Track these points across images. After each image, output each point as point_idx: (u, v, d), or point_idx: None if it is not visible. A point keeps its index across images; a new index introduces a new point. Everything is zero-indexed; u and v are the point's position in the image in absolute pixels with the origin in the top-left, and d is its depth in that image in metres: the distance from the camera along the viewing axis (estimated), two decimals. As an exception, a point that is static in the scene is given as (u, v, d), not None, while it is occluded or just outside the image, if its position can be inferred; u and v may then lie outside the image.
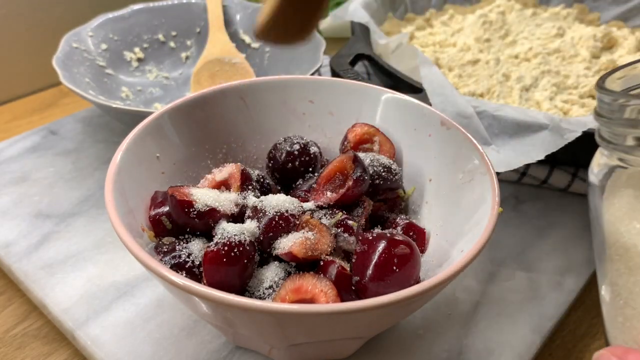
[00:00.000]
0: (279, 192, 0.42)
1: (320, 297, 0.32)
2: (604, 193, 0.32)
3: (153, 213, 0.38)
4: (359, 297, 0.33)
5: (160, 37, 0.74)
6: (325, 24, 0.87)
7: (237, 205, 0.38)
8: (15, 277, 0.45)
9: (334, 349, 0.37)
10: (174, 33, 0.75)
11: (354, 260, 0.34)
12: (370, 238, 0.34)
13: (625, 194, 0.30)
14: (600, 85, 0.31)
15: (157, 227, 0.38)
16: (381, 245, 0.33)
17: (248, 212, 0.37)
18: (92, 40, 0.68)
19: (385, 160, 0.41)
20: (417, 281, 0.34)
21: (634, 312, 0.30)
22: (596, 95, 0.31)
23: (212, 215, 0.36)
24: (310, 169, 0.43)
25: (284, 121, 0.47)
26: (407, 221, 0.41)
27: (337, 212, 0.37)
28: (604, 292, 0.33)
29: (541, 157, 0.44)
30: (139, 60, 0.72)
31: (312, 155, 0.43)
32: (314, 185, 0.40)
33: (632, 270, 0.29)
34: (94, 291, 0.43)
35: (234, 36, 0.74)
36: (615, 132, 0.29)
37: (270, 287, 0.34)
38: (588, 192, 0.34)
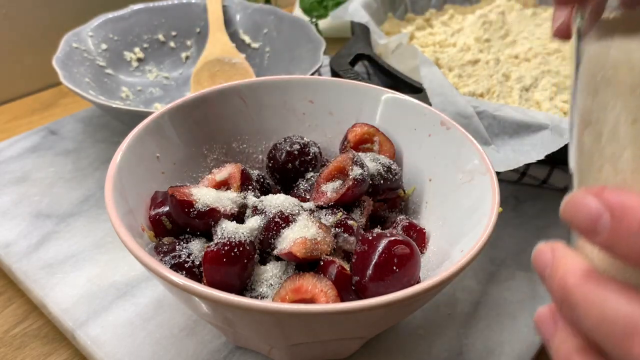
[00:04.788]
0: (279, 192, 0.42)
1: (320, 297, 0.32)
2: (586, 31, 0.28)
3: (153, 213, 0.38)
4: (359, 297, 0.33)
5: (160, 37, 0.74)
6: (325, 24, 0.87)
7: (237, 205, 0.38)
8: (15, 277, 0.45)
9: (334, 349, 0.37)
10: (174, 33, 0.74)
11: (354, 260, 0.34)
12: (370, 238, 0.34)
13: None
14: None
15: (157, 227, 0.38)
16: (381, 245, 0.33)
17: (248, 212, 0.37)
18: (92, 40, 0.68)
19: (385, 160, 0.41)
20: (417, 281, 0.34)
21: (617, 146, 0.24)
22: None
23: (212, 215, 0.36)
24: (310, 169, 0.43)
25: (284, 121, 0.47)
26: (407, 221, 0.41)
27: (337, 212, 0.37)
28: (585, 138, 0.28)
29: (541, 157, 0.44)
30: (139, 60, 0.72)
31: (312, 155, 0.43)
32: (314, 185, 0.40)
33: (620, 93, 0.24)
34: (94, 291, 0.43)
35: (234, 36, 0.73)
36: None
37: (270, 287, 0.34)
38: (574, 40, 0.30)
